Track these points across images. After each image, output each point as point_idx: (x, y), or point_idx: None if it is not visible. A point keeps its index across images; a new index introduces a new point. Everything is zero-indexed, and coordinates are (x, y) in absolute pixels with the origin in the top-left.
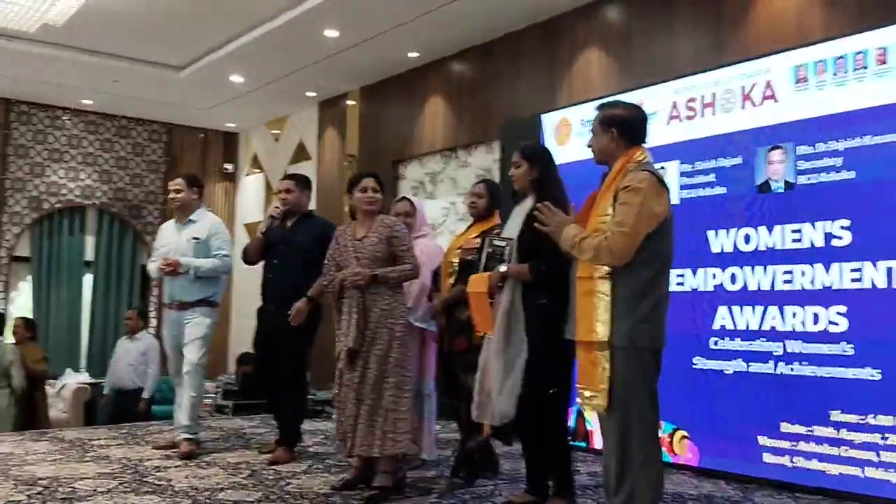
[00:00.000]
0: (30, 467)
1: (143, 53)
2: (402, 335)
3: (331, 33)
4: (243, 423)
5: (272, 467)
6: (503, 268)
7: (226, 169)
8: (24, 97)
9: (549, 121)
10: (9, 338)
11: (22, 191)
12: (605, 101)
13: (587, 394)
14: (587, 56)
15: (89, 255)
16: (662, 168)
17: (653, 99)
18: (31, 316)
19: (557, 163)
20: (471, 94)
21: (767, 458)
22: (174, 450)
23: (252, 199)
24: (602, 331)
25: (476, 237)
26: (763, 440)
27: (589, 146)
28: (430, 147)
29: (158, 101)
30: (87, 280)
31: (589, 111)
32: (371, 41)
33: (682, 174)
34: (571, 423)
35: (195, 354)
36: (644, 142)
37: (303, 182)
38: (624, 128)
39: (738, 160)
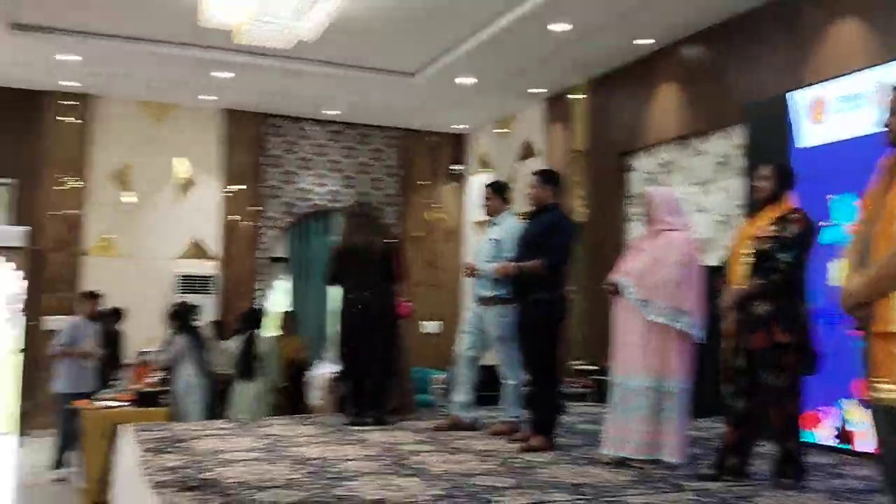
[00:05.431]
0: (298, 448)
1: (380, 62)
2: None
3: (559, 27)
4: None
5: (520, 456)
6: None
7: (454, 170)
8: (276, 111)
9: (799, 100)
10: (267, 331)
11: (277, 197)
12: None
13: (885, 387)
14: (839, 28)
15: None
16: None
17: None
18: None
19: (812, 143)
20: (706, 79)
21: None
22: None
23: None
24: None
25: (772, 225)
26: None
27: (886, 126)
28: (660, 136)
29: (393, 108)
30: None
31: (846, 87)
32: (601, 31)
33: None
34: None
35: (501, 356)
36: None
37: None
38: None
39: None
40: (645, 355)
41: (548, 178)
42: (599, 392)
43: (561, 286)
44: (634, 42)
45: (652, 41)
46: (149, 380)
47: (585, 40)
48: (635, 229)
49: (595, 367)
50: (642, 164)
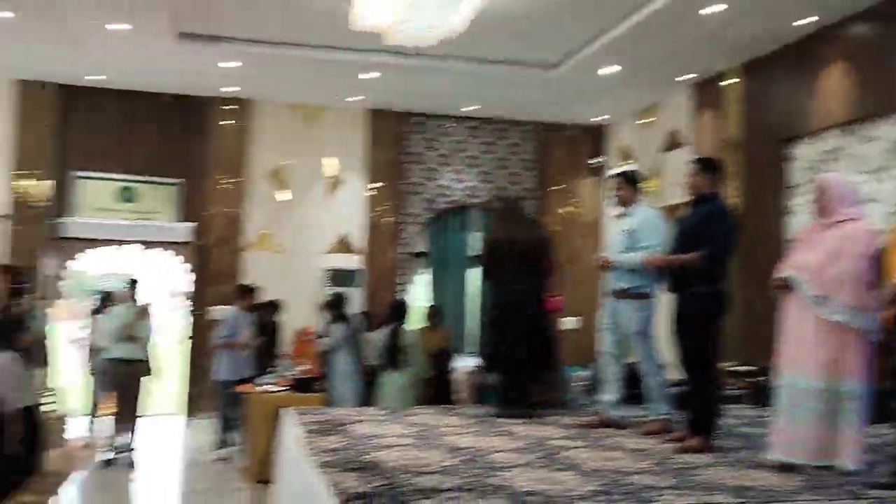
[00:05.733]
0: (448, 438)
1: (521, 55)
2: None
3: (714, 9)
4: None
5: (676, 456)
6: None
7: (593, 163)
8: (418, 109)
9: None
10: (411, 323)
11: (418, 194)
12: None
13: None
14: None
15: (472, 250)
16: None
17: None
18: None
19: None
20: (877, 59)
21: None
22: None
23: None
24: None
25: None
26: None
27: None
28: (825, 122)
29: (531, 101)
30: (471, 273)
31: None
32: (759, 12)
33: None
34: None
35: (638, 351)
36: None
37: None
38: None
39: None
40: (818, 355)
41: (707, 165)
42: (756, 394)
43: (720, 280)
44: (794, 23)
45: (815, 19)
46: (306, 367)
47: (741, 22)
48: (796, 221)
49: (750, 368)
50: (804, 152)
